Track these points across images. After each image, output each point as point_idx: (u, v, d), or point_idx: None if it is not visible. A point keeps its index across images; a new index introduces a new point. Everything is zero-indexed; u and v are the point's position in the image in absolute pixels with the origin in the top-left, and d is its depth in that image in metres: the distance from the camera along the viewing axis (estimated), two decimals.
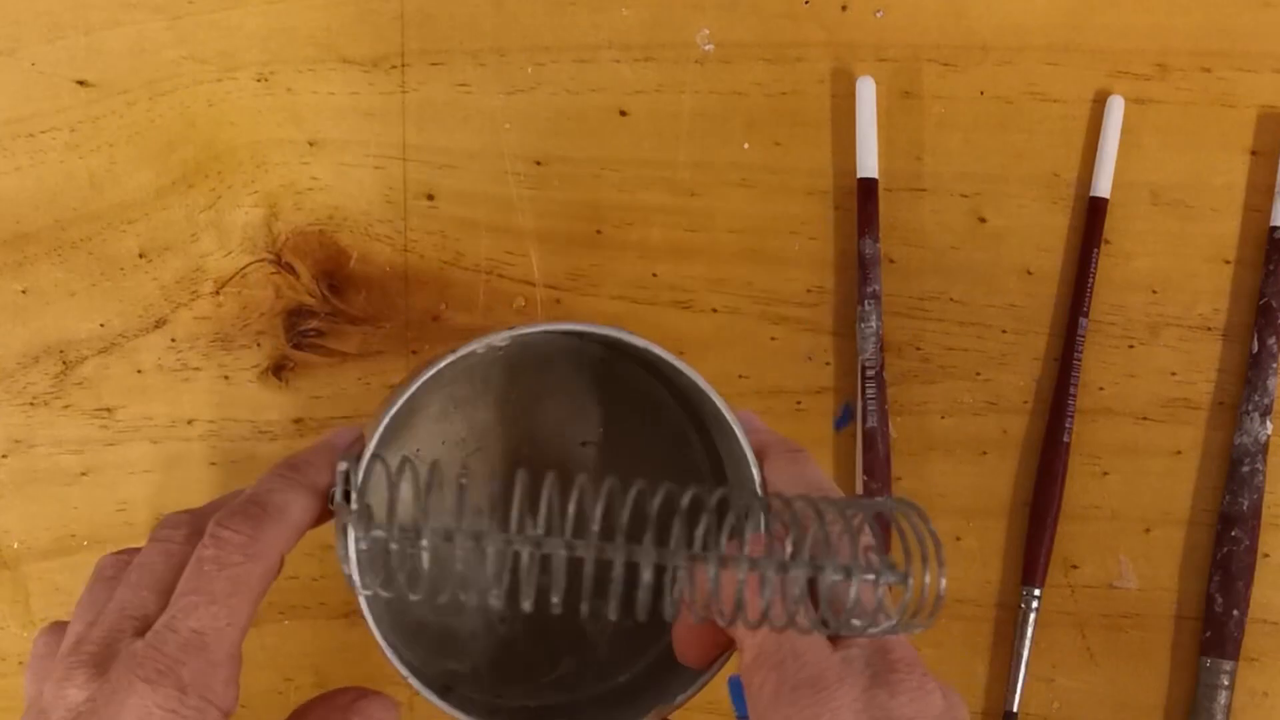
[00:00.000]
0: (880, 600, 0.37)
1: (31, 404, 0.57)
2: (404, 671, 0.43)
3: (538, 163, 0.56)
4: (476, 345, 0.43)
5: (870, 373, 0.55)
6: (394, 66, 0.56)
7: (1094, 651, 0.56)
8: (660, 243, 0.56)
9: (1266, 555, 0.55)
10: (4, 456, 0.57)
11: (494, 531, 0.37)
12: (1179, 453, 0.56)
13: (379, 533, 0.37)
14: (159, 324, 0.57)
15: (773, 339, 0.56)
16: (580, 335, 0.45)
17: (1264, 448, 0.54)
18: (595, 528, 0.37)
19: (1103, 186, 0.55)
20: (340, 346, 0.57)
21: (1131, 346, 0.56)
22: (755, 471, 0.43)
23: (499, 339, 0.43)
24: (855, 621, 0.37)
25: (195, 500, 0.51)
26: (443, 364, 0.43)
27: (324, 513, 0.41)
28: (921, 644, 0.53)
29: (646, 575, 0.37)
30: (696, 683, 0.42)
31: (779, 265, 0.56)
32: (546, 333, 0.44)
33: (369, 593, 0.40)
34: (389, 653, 0.42)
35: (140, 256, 0.57)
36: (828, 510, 0.38)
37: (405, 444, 0.48)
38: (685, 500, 0.38)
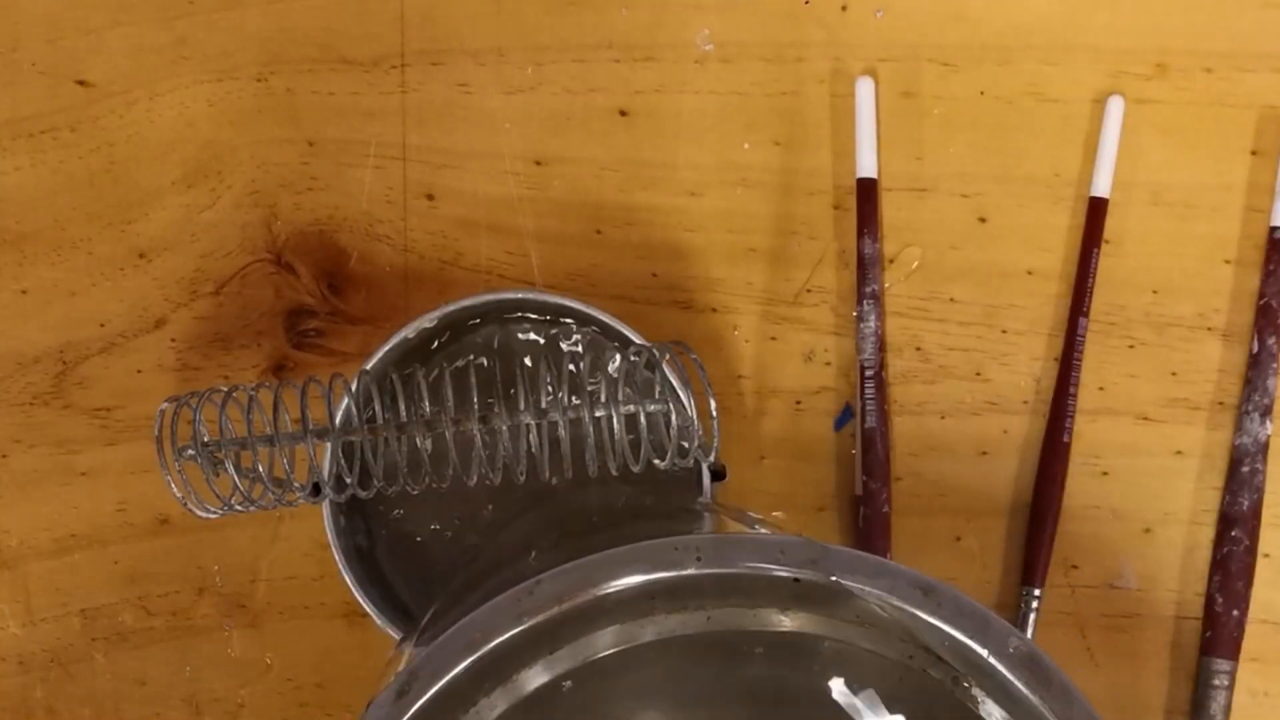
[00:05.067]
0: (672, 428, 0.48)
1: (31, 404, 0.57)
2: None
3: (538, 163, 0.56)
4: (407, 331, 0.51)
5: (870, 373, 0.55)
6: (394, 66, 0.56)
7: (1094, 651, 0.56)
8: (660, 243, 0.56)
9: (1266, 555, 0.55)
10: (4, 456, 0.57)
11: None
12: (1179, 453, 0.56)
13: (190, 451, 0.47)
14: (159, 324, 0.57)
15: (772, 339, 0.56)
16: (499, 304, 0.52)
17: (1264, 448, 0.54)
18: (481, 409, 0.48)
19: (1103, 186, 0.55)
20: (340, 346, 0.57)
21: (1131, 346, 0.56)
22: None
23: (428, 320, 0.51)
24: (657, 461, 0.47)
25: None
26: (377, 357, 0.51)
27: None
28: None
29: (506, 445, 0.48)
30: None
31: (778, 265, 0.56)
32: (468, 308, 0.51)
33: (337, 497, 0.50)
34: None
35: (140, 256, 0.57)
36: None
37: None
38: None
